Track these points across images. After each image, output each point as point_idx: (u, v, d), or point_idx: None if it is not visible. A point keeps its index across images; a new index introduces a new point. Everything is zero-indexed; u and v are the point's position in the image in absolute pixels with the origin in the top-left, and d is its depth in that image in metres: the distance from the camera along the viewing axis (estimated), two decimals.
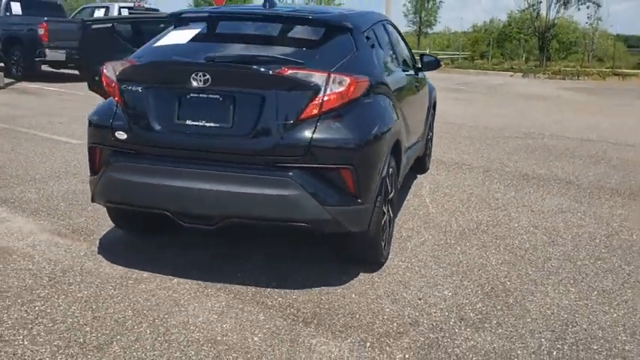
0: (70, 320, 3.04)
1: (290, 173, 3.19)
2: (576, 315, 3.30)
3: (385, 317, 3.19)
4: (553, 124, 10.70)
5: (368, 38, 3.96)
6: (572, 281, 3.76)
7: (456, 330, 3.09)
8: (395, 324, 3.13)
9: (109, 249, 4.00)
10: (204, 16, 3.86)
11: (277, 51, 3.57)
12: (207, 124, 3.29)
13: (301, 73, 3.23)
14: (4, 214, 4.66)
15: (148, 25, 5.76)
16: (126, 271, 3.66)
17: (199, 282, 3.53)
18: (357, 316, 3.20)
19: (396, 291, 3.52)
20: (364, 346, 2.91)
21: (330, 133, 3.23)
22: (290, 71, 3.21)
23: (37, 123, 8.82)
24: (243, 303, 3.30)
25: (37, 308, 3.15)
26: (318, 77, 3.22)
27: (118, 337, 2.90)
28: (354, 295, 3.44)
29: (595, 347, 2.96)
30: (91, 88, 5.23)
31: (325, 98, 3.21)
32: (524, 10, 39.01)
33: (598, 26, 34.99)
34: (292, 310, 3.25)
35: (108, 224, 4.42)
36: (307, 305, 3.30)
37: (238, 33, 3.80)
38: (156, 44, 3.71)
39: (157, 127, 3.36)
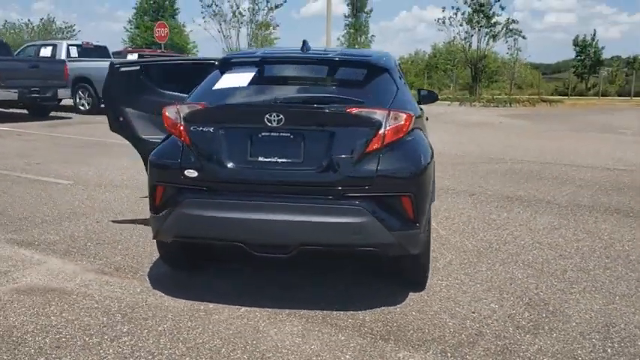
0: (167, 352, 3.17)
1: (360, 202, 3.48)
2: (611, 317, 3.73)
3: (451, 330, 3.50)
4: (509, 149, 11.48)
5: (400, 76, 4.35)
6: (593, 289, 4.21)
7: (518, 337, 3.44)
8: (463, 335, 3.44)
9: (162, 284, 4.10)
10: (255, 60, 4.12)
11: (334, 91, 3.89)
12: (280, 160, 3.55)
13: (365, 111, 3.56)
14: (37, 255, 4.66)
15: (176, 67, 5.94)
16: (191, 303, 3.80)
17: (267, 309, 3.72)
18: (426, 330, 3.50)
19: (449, 307, 3.84)
20: (446, 356, 3.20)
21: (391, 164, 3.56)
22: (356, 110, 3.54)
23: (15, 165, 8.66)
24: (318, 326, 3.52)
25: (127, 343, 3.26)
26: (379, 114, 3.55)
27: None
28: (414, 313, 3.74)
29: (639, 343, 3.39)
30: (112, 129, 5.33)
31: (386, 133, 3.54)
32: (449, 42, 41.22)
33: (518, 56, 37.34)
34: (365, 329, 3.50)
35: (147, 261, 4.54)
36: (377, 324, 3.56)
37: (293, 75, 4.09)
38: (215, 87, 3.93)
39: (230, 165, 3.58)
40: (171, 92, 5.28)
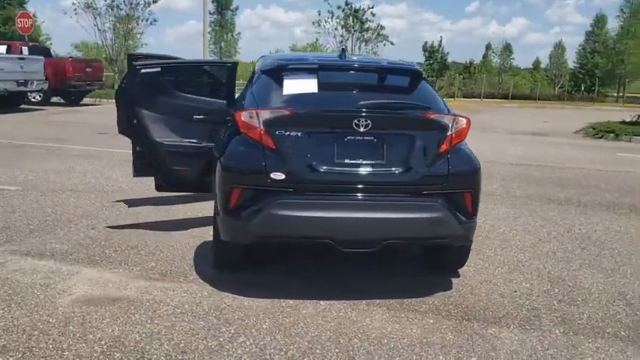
0: (294, 347, 3.31)
1: (436, 199, 3.88)
2: (618, 287, 4.50)
3: (512, 307, 4.02)
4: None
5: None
6: (586, 265, 4.98)
7: (566, 308, 4.05)
8: (524, 311, 3.97)
9: (225, 286, 4.13)
10: (313, 67, 4.29)
11: (401, 97, 4.21)
12: (364, 162, 3.82)
13: (438, 116, 3.95)
14: (63, 266, 4.41)
15: (192, 70, 5.78)
16: (269, 302, 3.91)
17: (343, 301, 3.96)
18: (492, 309, 3.97)
19: (492, 288, 4.36)
20: (525, 328, 3.70)
21: (458, 164, 3.99)
22: (432, 115, 3.92)
23: None
24: (401, 312, 3.85)
25: (248, 343, 3.34)
26: (447, 119, 3.97)
27: (357, 355, 3.28)
28: (470, 295, 4.20)
29: None
30: (122, 130, 5.13)
31: (453, 136, 3.96)
32: (312, 44, 42.63)
33: None
34: (443, 312, 3.90)
35: (184, 265, 4.56)
36: (448, 307, 3.98)
37: (355, 82, 4.32)
38: (285, 92, 4.04)
39: (318, 167, 3.77)
40: (188, 95, 5.23)
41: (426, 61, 50.20)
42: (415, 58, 56.65)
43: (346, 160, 3.81)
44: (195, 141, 5.10)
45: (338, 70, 4.46)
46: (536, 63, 67.08)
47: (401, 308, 3.91)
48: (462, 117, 4.06)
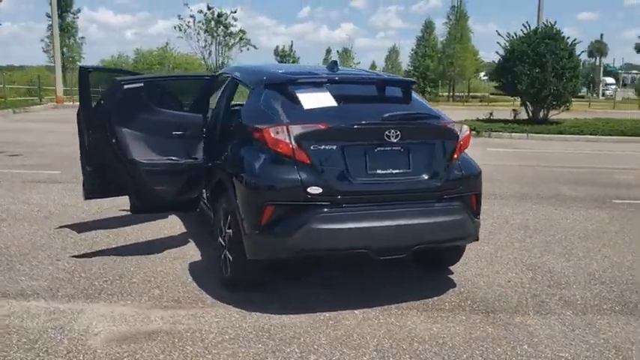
0: (367, 357, 3.38)
1: (456, 202, 4.15)
2: (615, 271, 5.14)
3: (519, 296, 4.41)
4: None
5: None
6: (577, 255, 5.59)
7: (570, 292, 4.55)
8: (527, 299, 4.39)
9: (250, 305, 4.02)
10: (322, 80, 4.32)
11: (412, 107, 4.38)
12: (394, 171, 3.97)
13: (451, 125, 4.23)
14: (59, 305, 3.99)
15: (174, 84, 5.36)
16: (307, 316, 3.90)
17: (374, 308, 4.08)
18: (504, 300, 4.33)
19: (491, 280, 4.74)
20: (551, 311, 4.11)
21: (468, 168, 4.31)
22: (449, 124, 4.19)
23: None
24: (433, 312, 4.06)
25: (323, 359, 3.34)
26: (457, 127, 4.26)
27: (429, 357, 3.43)
28: (477, 290, 4.53)
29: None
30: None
31: (461, 143, 4.27)
32: (162, 48, 41.35)
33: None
34: (468, 307, 4.17)
35: (191, 288, 4.37)
36: (468, 302, 4.26)
37: (367, 95, 4.42)
38: (310, 106, 4.02)
39: (352, 179, 3.85)
40: (167, 110, 4.96)
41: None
42: (264, 61, 57.20)
43: (378, 171, 3.93)
44: (174, 158, 4.87)
45: (346, 83, 4.53)
46: (373, 67, 71.35)
47: (428, 309, 4.12)
48: (465, 125, 4.38)
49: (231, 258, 4.19)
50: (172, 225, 6.08)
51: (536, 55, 17.94)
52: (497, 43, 19.61)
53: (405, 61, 66.84)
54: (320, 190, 3.78)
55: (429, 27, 68.65)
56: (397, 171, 3.99)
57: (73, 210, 6.66)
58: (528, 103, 18.56)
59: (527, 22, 19.61)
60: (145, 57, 48.48)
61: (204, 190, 5.02)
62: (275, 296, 4.23)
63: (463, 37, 64.43)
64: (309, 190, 3.77)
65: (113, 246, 5.38)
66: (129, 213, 6.49)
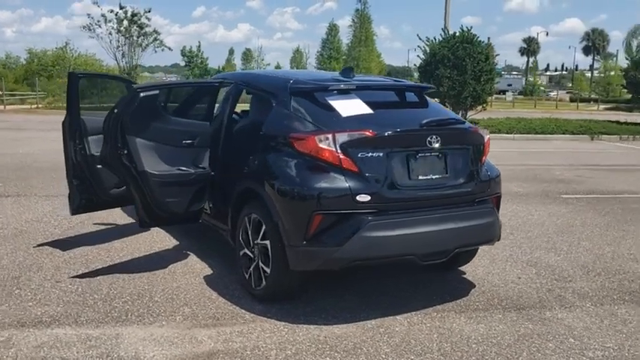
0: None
1: (488, 204, 4.30)
2: (615, 261, 5.48)
3: (538, 292, 4.63)
4: None
5: None
6: (581, 247, 5.91)
7: (584, 283, 4.83)
8: (546, 292, 4.63)
9: (294, 318, 3.94)
10: (352, 87, 4.28)
11: (437, 113, 4.44)
12: (433, 177, 4.03)
13: (480, 129, 4.36)
14: (89, 331, 3.69)
15: (185, 92, 5.00)
16: (353, 325, 3.88)
17: (413, 313, 4.12)
18: (527, 296, 4.53)
19: (503, 278, 4.93)
20: (582, 300, 4.35)
21: (492, 171, 4.46)
22: (479, 129, 4.31)
23: None
24: (471, 313, 4.17)
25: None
26: (482, 131, 4.41)
27: (494, 357, 3.52)
28: (496, 288, 4.70)
29: None
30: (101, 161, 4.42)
31: (486, 146, 4.41)
32: (61, 49, 39.21)
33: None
34: (499, 306, 4.31)
35: (220, 302, 4.21)
36: (494, 300, 4.41)
37: (392, 101, 4.43)
38: (348, 114, 3.97)
39: (397, 185, 3.87)
40: (178, 118, 4.72)
41: (185, 66, 49.68)
42: (172, 62, 55.56)
43: (420, 177, 3.98)
44: (184, 168, 4.65)
45: (371, 90, 4.53)
46: (278, 67, 71.58)
47: (464, 309, 4.22)
48: (486, 130, 4.53)
49: (268, 270, 4.06)
50: (159, 237, 5.78)
51: (457, 59, 18.77)
52: (418, 46, 20.34)
53: (311, 62, 67.82)
54: (368, 198, 3.77)
55: (333, 29, 70.19)
56: (436, 176, 4.05)
57: (42, 225, 6.16)
58: (449, 105, 19.37)
59: (444, 27, 20.49)
60: (38, 57, 45.65)
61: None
62: (310, 307, 4.16)
63: (368, 39, 66.66)
64: (357, 197, 3.75)
65: (110, 263, 5.04)
66: (106, 226, 6.18)
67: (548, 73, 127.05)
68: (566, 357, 3.54)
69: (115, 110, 4.26)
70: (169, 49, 30.58)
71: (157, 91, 4.41)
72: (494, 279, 4.90)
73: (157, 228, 5.98)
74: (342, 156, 3.77)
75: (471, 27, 19.64)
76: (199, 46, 50.51)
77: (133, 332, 3.70)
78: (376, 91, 4.59)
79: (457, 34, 19.62)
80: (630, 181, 10.37)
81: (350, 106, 4.08)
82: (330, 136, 3.79)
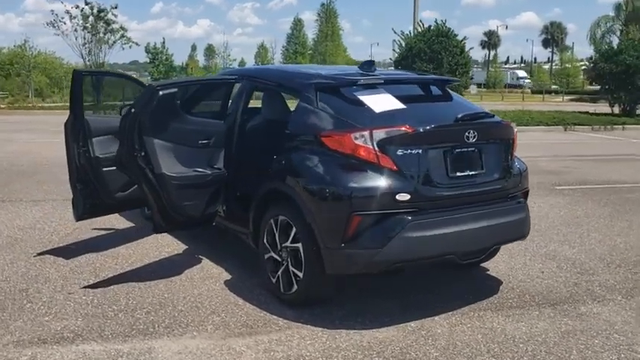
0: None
1: (520, 200, 4.21)
2: (627, 251, 5.46)
3: (566, 285, 4.57)
4: None
5: None
6: (591, 239, 5.88)
7: (609, 275, 4.79)
8: (573, 286, 4.57)
9: (329, 322, 3.79)
10: (379, 82, 4.12)
11: (467, 107, 4.32)
12: (471, 173, 3.91)
13: (510, 123, 4.25)
14: (117, 346, 3.46)
15: (201, 89, 4.73)
16: (394, 328, 3.74)
17: (450, 313, 4.00)
18: (555, 291, 4.47)
19: (526, 273, 4.86)
20: (612, 293, 4.30)
21: (521, 165, 4.38)
22: (509, 123, 4.21)
23: None
24: (507, 311, 4.07)
25: None
26: (512, 125, 4.31)
27: (544, 356, 3.43)
28: (522, 283, 4.63)
29: None
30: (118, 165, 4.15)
31: (515, 140, 4.32)
32: (20, 46, 37.95)
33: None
34: (532, 303, 4.24)
35: (252, 310, 4.02)
36: (526, 297, 4.33)
37: (418, 95, 4.28)
38: (381, 109, 3.81)
39: (437, 183, 3.74)
40: (194, 117, 4.49)
41: (150, 62, 48.73)
42: (137, 59, 54.61)
43: (457, 173, 3.85)
44: (200, 170, 4.44)
45: (397, 84, 4.38)
46: (242, 63, 70.95)
47: (500, 308, 4.13)
48: (513, 123, 4.43)
49: (300, 274, 3.89)
50: (166, 241, 5.51)
51: (433, 53, 18.82)
52: (394, 40, 20.34)
53: (277, 57, 67.44)
54: (408, 197, 3.63)
55: (298, 24, 69.88)
56: (473, 172, 3.94)
57: (37, 232, 5.84)
58: None
59: (420, 21, 20.54)
60: None
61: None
62: (342, 310, 4.00)
63: (334, 34, 66.55)
64: (397, 197, 3.60)
65: (120, 271, 4.78)
66: (106, 231, 5.90)
67: (507, 65, 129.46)
68: (617, 353, 3.47)
69: (132, 110, 4.01)
70: (137, 44, 29.82)
71: (175, 89, 4.17)
72: (518, 274, 4.83)
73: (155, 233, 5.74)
74: (379, 153, 3.61)
75: (445, 20, 19.72)
76: (164, 43, 49.72)
77: (166, 345, 3.48)
78: (402, 85, 4.44)
79: (432, 27, 19.67)
80: (616, 171, 10.51)
81: (381, 102, 3.92)
82: (366, 133, 3.63)
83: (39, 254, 5.17)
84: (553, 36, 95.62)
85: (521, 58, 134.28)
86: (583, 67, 60.59)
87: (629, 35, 34.06)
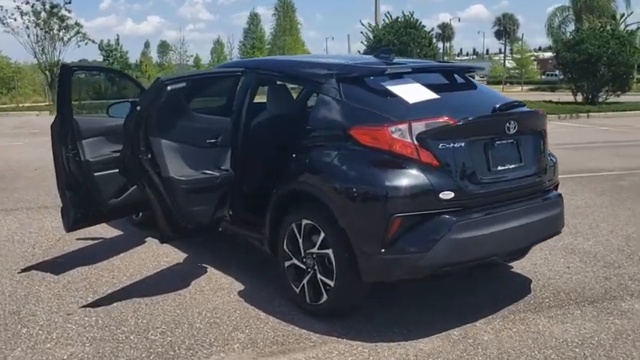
0: None
1: (556, 194, 3.97)
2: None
3: (595, 281, 4.37)
4: None
5: None
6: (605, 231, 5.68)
7: (611, 272, 4.62)
8: (604, 281, 4.38)
9: (365, 334, 3.49)
10: (408, 71, 3.80)
11: (499, 97, 4.03)
12: (511, 167, 3.64)
13: (542, 112, 4.01)
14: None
15: (210, 83, 4.26)
16: (436, 337, 3.46)
17: (488, 318, 3.74)
18: (587, 287, 4.26)
19: (553, 270, 4.63)
20: (637, 295, 4.12)
21: (552, 157, 4.14)
22: (541, 111, 3.96)
23: None
24: (548, 312, 3.83)
25: None
26: (542, 112, 4.06)
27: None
28: (552, 280, 4.41)
29: None
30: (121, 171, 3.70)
31: (546, 129, 4.08)
32: None
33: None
34: (570, 301, 4.02)
35: (276, 324, 3.67)
36: (562, 295, 4.11)
37: (446, 84, 3.95)
38: (415, 100, 3.50)
39: (479, 179, 3.45)
40: (202, 115, 4.09)
41: (104, 60, 47.22)
42: (91, 57, 53.03)
43: (499, 167, 3.58)
44: (208, 172, 4.06)
45: (424, 72, 4.05)
46: (197, 59, 69.69)
47: (539, 309, 3.88)
48: (542, 110, 4.19)
49: (331, 283, 3.55)
50: (162, 250, 5.07)
51: (402, 44, 18.65)
52: (361, 32, 20.11)
53: (234, 53, 66.52)
54: (452, 195, 3.33)
55: (254, 19, 69.03)
56: (513, 166, 3.67)
57: (17, 245, 5.33)
58: None
59: (388, 12, 20.35)
60: None
61: None
62: (374, 321, 3.69)
63: (292, 28, 66.01)
64: (441, 195, 3.30)
65: (120, 286, 4.35)
66: (93, 241, 5.43)
67: (459, 57, 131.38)
68: None
69: (138, 108, 3.59)
70: (93, 41, 28.70)
71: (184, 84, 3.75)
72: (543, 270, 4.61)
73: (150, 238, 5.32)
74: (420, 148, 3.30)
75: (413, 12, 19.57)
76: (118, 39, 48.37)
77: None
78: (428, 73, 4.13)
79: (399, 19, 19.52)
80: (600, 158, 10.53)
81: (413, 92, 3.61)
82: (404, 126, 3.31)
83: (23, 270, 4.68)
84: (505, 27, 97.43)
85: (474, 50, 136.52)
86: (533, 58, 61.59)
87: (582, 25, 34.75)
